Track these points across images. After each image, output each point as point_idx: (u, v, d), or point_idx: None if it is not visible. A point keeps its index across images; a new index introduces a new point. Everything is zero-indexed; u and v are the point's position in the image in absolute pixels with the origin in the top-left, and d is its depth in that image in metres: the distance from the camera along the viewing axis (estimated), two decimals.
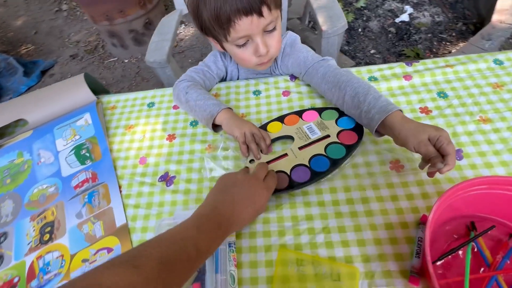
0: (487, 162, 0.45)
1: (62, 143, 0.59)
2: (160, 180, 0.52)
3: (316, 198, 0.45)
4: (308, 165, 0.47)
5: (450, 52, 1.54)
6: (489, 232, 0.37)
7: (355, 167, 0.47)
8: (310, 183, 0.45)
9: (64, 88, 0.64)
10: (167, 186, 0.51)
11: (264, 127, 0.54)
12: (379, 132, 0.45)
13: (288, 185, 0.45)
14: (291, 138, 0.51)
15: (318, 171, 0.46)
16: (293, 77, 0.63)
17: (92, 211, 0.49)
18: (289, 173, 0.46)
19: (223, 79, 0.68)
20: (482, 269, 0.35)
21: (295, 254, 0.40)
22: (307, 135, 0.51)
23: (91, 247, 0.45)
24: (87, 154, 0.56)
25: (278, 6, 0.50)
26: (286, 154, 0.49)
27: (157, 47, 0.80)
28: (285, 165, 0.47)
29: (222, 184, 0.41)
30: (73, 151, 0.57)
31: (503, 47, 1.47)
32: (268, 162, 0.48)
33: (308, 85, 0.60)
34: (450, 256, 0.37)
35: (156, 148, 0.56)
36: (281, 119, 0.55)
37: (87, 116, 0.61)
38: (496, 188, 0.34)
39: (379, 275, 0.37)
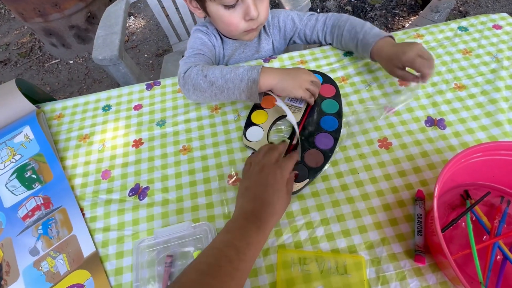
0: (469, 128, 0.45)
1: None
2: (130, 194, 0.44)
3: (309, 189, 0.42)
4: (323, 128, 0.46)
5: (403, 26, 1.61)
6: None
7: (343, 149, 0.45)
8: (335, 144, 0.45)
9: None
10: (140, 199, 0.44)
11: (249, 121, 0.49)
12: (373, 59, 0.50)
13: (324, 156, 0.43)
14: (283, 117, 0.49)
15: (334, 129, 0.46)
16: (266, 60, 0.58)
17: (50, 244, 0.41)
18: (315, 143, 0.45)
19: None
20: (484, 237, 0.35)
21: (297, 253, 0.37)
22: (296, 106, 0.49)
23: (55, 287, 0.37)
24: (34, 176, 0.46)
25: None
26: (294, 133, 0.46)
27: (106, 42, 0.69)
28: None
29: (242, 187, 0.38)
30: (14, 175, 0.47)
31: (449, 18, 1.56)
32: (291, 147, 0.45)
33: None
34: (449, 228, 0.36)
35: (121, 158, 0.49)
36: (257, 105, 0.50)
37: (27, 130, 0.50)
38: (491, 154, 0.34)
39: (385, 260, 0.36)
